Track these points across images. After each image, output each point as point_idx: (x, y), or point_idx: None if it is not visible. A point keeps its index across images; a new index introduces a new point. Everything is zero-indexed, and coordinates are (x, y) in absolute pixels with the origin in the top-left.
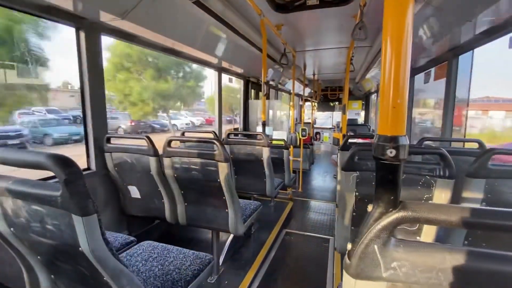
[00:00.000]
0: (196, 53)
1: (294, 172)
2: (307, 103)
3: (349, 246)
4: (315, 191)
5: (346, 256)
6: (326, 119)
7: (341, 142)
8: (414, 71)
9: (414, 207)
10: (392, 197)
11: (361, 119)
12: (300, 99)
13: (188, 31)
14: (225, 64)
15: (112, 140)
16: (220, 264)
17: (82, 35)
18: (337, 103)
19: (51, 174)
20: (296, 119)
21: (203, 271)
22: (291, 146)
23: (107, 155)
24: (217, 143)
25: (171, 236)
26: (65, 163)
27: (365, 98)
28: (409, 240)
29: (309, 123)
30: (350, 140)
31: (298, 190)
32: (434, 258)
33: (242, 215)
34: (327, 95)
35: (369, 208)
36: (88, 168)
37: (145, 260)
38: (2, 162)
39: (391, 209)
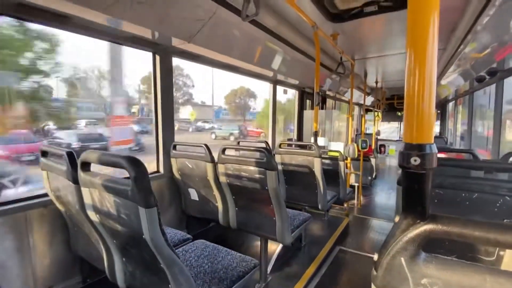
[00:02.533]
0: (253, 68)
1: (352, 186)
2: (370, 113)
3: (375, 256)
4: (377, 209)
5: (373, 267)
6: (393, 131)
7: None
8: (503, 73)
9: (445, 220)
10: (419, 208)
11: (436, 130)
12: (361, 109)
13: (245, 49)
14: (280, 77)
15: (177, 147)
16: (268, 272)
17: (157, 58)
18: None
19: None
20: (357, 130)
21: (248, 273)
22: (348, 158)
23: (173, 160)
24: (266, 152)
25: (224, 238)
26: (135, 163)
27: (441, 107)
28: (442, 257)
29: (371, 134)
30: None
31: (356, 206)
32: (471, 278)
33: (290, 225)
34: (393, 104)
35: (396, 219)
36: (158, 171)
37: (197, 257)
38: (93, 161)
39: (419, 221)
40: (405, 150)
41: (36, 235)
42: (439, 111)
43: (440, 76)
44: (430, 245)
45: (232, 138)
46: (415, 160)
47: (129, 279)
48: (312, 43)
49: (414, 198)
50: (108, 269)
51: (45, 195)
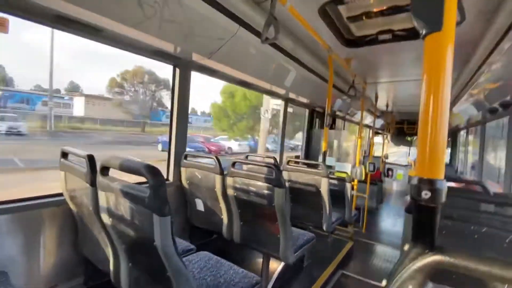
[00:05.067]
0: (265, 85)
1: (357, 209)
2: (379, 136)
3: (383, 283)
4: (382, 235)
5: None
6: (402, 156)
7: None
8: None
9: (451, 253)
10: (428, 239)
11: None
12: (370, 131)
13: (261, 67)
14: (292, 95)
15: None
16: None
17: (177, 71)
18: (415, 137)
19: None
20: (365, 152)
21: None
22: (355, 180)
23: (183, 169)
24: (275, 169)
25: (226, 251)
26: (154, 172)
27: (452, 135)
28: None
29: (379, 157)
30: None
31: (361, 230)
32: None
33: (294, 244)
34: (403, 128)
35: (406, 247)
36: (167, 179)
37: (200, 268)
38: (113, 166)
39: (427, 251)
40: (417, 183)
41: (47, 233)
42: (449, 139)
43: (453, 104)
44: (438, 277)
45: None
46: (425, 194)
47: (133, 285)
48: (325, 65)
49: (423, 229)
50: (113, 273)
51: (59, 194)
